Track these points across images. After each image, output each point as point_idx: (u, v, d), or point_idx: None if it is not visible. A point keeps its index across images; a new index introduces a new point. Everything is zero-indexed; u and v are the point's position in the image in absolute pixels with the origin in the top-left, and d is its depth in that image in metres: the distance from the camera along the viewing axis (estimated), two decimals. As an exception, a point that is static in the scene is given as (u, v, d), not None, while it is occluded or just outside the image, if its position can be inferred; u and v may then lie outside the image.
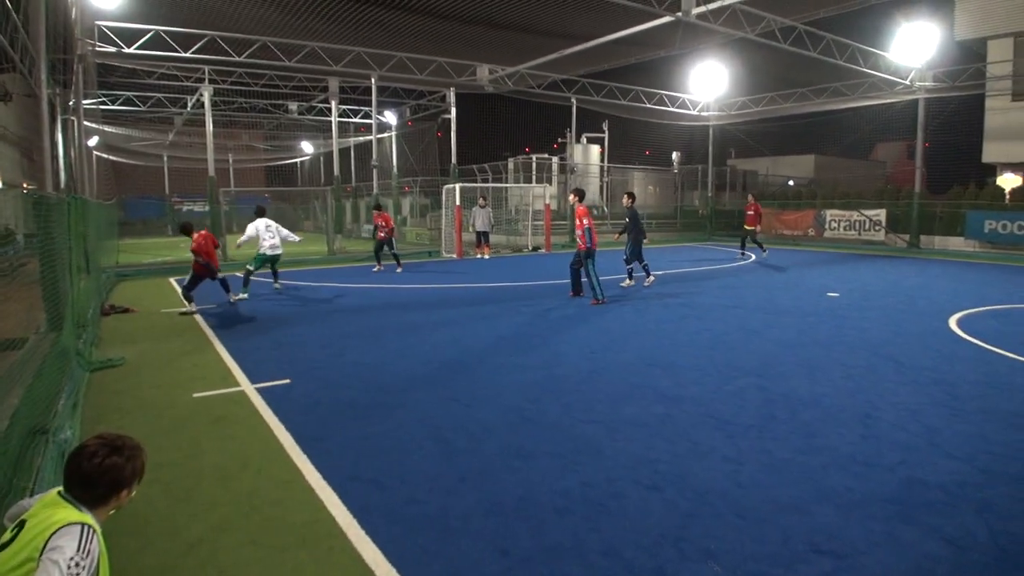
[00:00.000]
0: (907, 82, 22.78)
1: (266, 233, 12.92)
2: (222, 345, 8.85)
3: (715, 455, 4.97)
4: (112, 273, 16.01)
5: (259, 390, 6.73)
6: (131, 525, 3.90)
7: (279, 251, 13.17)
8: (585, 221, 11.88)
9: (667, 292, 13.42)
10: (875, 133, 37.61)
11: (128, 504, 2.53)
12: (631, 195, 14.21)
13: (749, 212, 20.54)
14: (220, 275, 11.90)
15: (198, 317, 10.92)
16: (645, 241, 14.16)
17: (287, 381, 7.05)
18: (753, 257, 20.65)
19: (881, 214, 24.62)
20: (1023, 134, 22.50)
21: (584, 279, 12.10)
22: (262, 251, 12.91)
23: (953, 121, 26.46)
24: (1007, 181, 24.14)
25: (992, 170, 25.01)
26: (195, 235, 11.61)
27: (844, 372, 7.28)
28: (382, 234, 17.33)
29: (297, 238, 14.06)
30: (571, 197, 12.57)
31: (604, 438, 5.33)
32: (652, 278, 14.38)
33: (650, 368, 7.50)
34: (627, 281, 14.33)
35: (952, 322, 10.07)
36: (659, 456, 4.95)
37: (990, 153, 23.97)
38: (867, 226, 25.04)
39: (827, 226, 26.33)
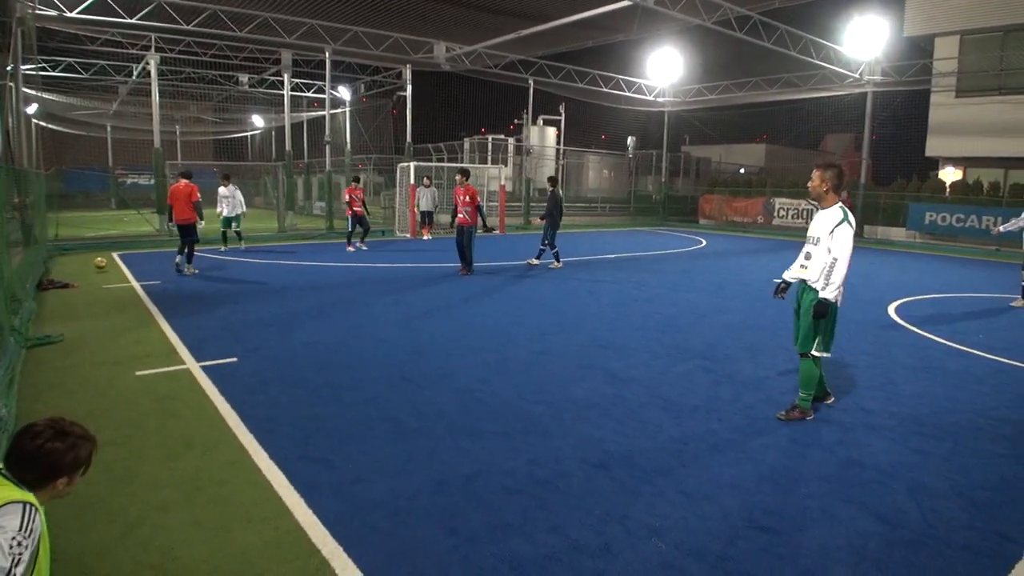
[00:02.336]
0: (857, 75, 23.37)
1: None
2: (166, 322, 8.62)
3: (661, 435, 5.07)
4: (51, 247, 15.44)
5: (205, 368, 6.59)
6: (71, 505, 3.78)
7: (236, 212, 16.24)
8: (467, 199, 13.25)
9: (621, 276, 13.58)
10: (825, 124, 38.43)
11: (67, 495, 2.42)
12: (553, 179, 14.89)
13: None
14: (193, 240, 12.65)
15: (141, 293, 10.62)
16: (539, 219, 14.59)
17: (234, 360, 6.92)
18: None
19: (828, 203, 25.22)
20: (965, 130, 23.21)
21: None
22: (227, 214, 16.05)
23: (899, 115, 27.21)
24: (948, 175, 24.95)
25: (935, 164, 25.77)
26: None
27: (787, 356, 7.48)
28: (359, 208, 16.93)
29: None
30: (458, 177, 13.70)
31: (553, 418, 5.39)
32: (560, 264, 14.59)
33: (602, 350, 7.59)
34: (536, 261, 14.61)
35: (891, 309, 10.43)
36: (607, 436, 5.03)
37: (933, 147, 24.68)
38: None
39: (776, 214, 26.93)
